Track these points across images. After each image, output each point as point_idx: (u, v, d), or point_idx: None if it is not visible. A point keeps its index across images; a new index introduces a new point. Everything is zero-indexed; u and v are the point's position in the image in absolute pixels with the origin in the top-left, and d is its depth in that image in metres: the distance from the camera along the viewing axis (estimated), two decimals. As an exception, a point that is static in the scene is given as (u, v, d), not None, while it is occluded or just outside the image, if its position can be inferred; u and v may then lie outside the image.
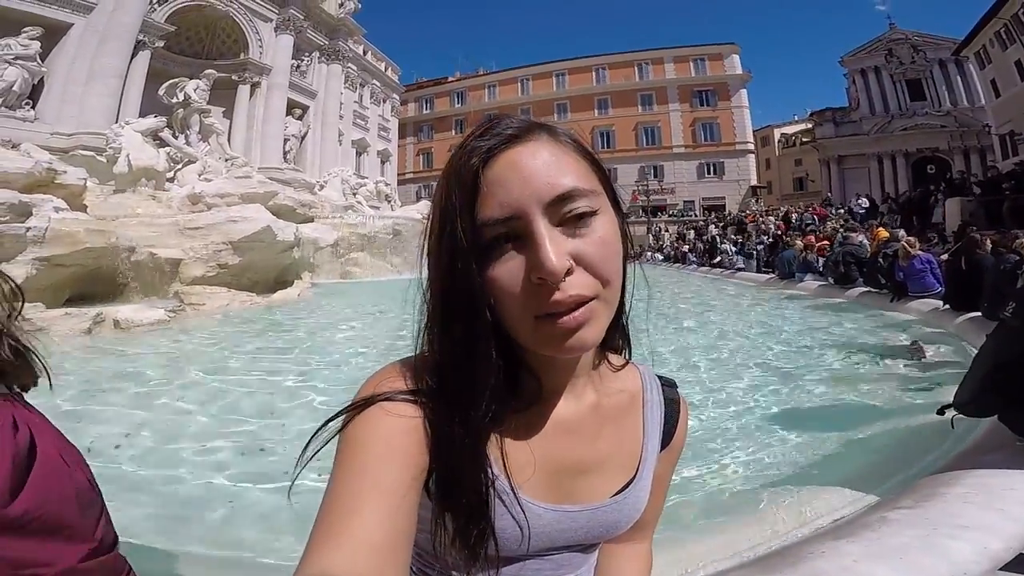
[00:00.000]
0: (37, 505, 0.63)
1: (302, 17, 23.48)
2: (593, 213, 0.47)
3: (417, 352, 0.53)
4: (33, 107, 14.32)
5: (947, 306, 5.96)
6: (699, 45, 43.65)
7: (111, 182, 11.80)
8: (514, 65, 48.68)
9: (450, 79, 51.37)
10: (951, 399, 2.27)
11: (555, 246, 0.43)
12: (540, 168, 0.45)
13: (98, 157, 12.46)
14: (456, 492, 0.48)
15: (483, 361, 0.47)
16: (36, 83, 14.50)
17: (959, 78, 32.55)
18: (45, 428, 0.70)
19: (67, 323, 6.17)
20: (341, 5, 26.31)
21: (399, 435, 0.45)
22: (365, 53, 32.34)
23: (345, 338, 6.46)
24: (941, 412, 2.28)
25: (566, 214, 0.45)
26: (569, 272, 0.44)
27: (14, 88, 13.69)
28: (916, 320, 6.34)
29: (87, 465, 0.75)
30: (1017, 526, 1.47)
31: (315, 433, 0.48)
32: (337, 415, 0.48)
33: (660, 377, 0.67)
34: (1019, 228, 8.62)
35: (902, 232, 8.45)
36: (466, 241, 0.45)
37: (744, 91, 42.15)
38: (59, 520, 0.66)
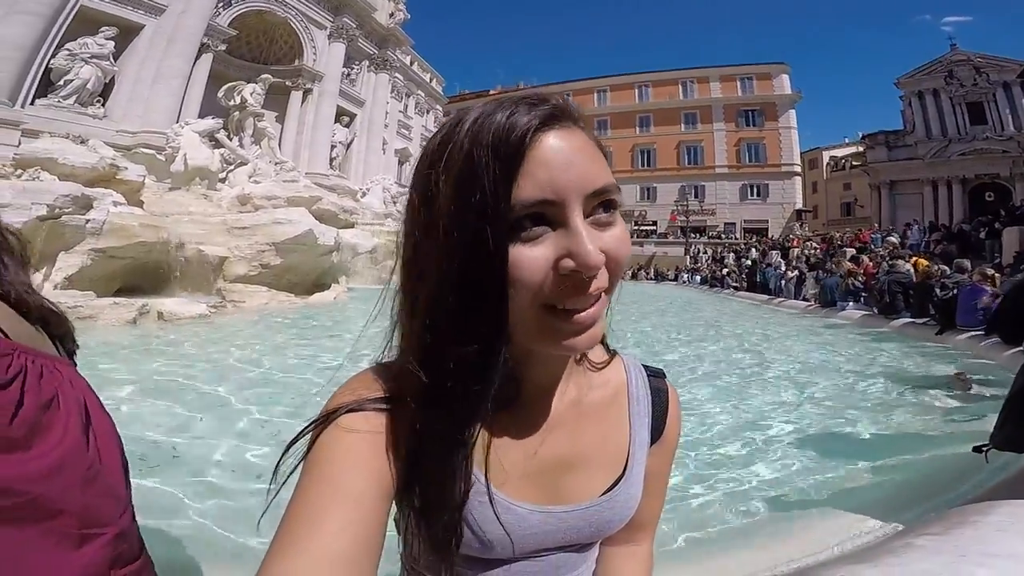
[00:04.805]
0: (102, 462, 0.63)
1: (355, 26, 24.28)
2: (615, 209, 0.46)
3: (386, 355, 0.51)
4: (103, 105, 15.17)
5: (997, 339, 5.66)
6: (747, 65, 42.71)
7: (168, 180, 12.35)
8: (556, 80, 48.87)
9: (492, 92, 51.94)
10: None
11: (591, 240, 0.42)
12: (579, 157, 0.43)
13: (158, 155, 13.07)
14: (435, 499, 0.46)
15: (496, 356, 0.44)
16: (107, 82, 15.35)
17: (1024, 101, 30.91)
18: (90, 393, 0.69)
19: (114, 312, 6.46)
20: (391, 15, 27.09)
21: (365, 447, 0.44)
22: (412, 64, 33.15)
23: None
24: (977, 450, 2.19)
25: (595, 208, 0.44)
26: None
27: (88, 86, 14.51)
28: (963, 352, 6.08)
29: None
30: (1053, 555, 1.40)
31: (285, 450, 0.46)
32: (304, 430, 0.46)
33: (647, 367, 0.64)
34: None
35: (967, 262, 7.99)
36: (503, 218, 0.41)
37: (793, 112, 40.98)
38: (116, 478, 0.66)
